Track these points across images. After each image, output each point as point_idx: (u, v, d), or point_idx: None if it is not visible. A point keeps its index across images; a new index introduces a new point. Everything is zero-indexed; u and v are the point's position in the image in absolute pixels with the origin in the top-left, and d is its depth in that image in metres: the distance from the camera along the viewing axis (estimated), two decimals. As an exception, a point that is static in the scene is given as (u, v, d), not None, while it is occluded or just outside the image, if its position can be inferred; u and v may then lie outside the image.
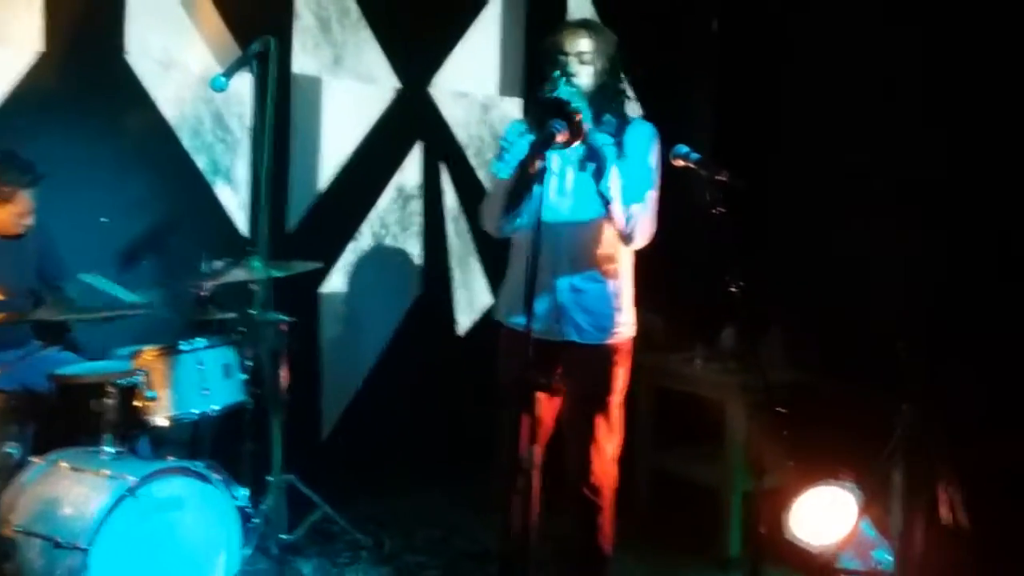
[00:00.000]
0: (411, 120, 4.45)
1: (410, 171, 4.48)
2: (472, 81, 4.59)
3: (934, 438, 2.91)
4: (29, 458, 2.96)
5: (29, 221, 3.30)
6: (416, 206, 4.51)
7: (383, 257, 4.45)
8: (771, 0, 4.73)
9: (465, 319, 4.71)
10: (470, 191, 4.59)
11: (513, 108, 4.70)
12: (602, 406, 2.87)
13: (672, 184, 2.89)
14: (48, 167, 3.47)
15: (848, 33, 4.32)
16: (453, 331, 4.67)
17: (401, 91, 4.39)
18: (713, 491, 3.85)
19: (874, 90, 4.20)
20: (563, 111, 2.41)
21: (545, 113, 2.41)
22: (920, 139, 3.91)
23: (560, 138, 2.39)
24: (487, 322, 4.73)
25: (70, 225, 3.54)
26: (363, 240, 4.39)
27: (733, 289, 2.53)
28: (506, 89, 4.69)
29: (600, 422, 2.86)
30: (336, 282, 4.32)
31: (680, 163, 2.64)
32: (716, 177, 2.54)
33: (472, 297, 4.72)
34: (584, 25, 2.78)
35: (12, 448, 2.86)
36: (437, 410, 4.40)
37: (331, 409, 4.34)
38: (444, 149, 4.56)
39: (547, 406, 2.88)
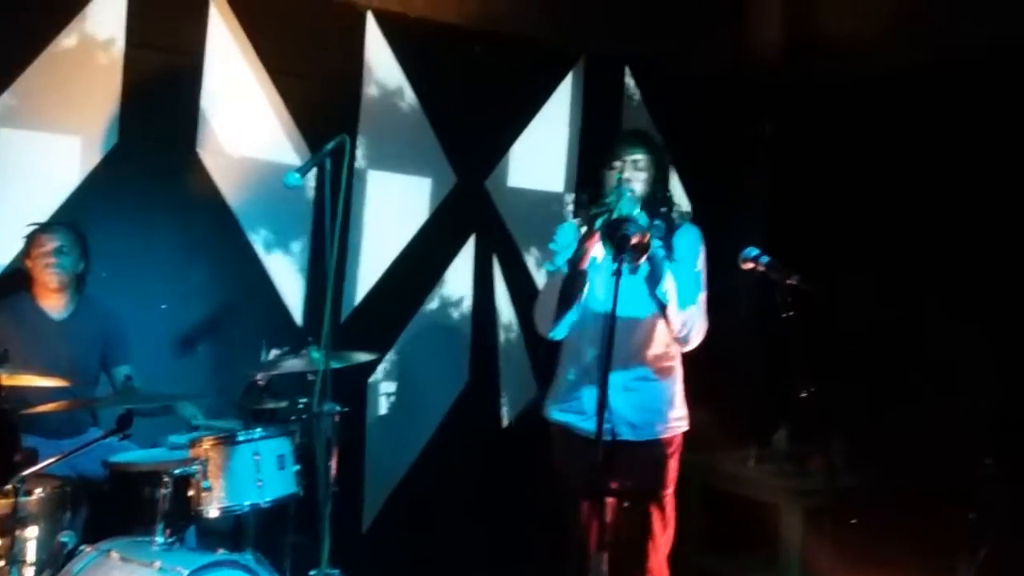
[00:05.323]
0: (466, 214, 4.51)
1: (463, 263, 4.52)
2: (526, 177, 4.66)
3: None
4: (81, 547, 2.90)
5: (52, 261, 3.32)
6: (467, 298, 4.54)
7: (432, 348, 4.45)
8: (822, 104, 4.81)
9: (511, 411, 4.68)
10: (521, 283, 4.62)
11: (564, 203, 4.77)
12: (656, 500, 2.88)
13: (727, 285, 2.91)
14: (115, 253, 3.54)
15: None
16: (499, 423, 4.63)
17: (457, 185, 4.47)
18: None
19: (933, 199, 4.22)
20: (639, 241, 2.46)
21: (618, 232, 2.45)
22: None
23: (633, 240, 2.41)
24: (532, 414, 4.70)
25: (132, 310, 3.60)
26: (412, 331, 4.40)
27: (803, 394, 2.50)
28: (559, 185, 4.76)
29: (655, 516, 2.88)
30: (385, 372, 4.33)
31: (749, 266, 2.64)
32: (787, 281, 2.53)
33: (519, 389, 4.69)
34: (639, 134, 2.93)
35: (66, 536, 2.82)
36: (479, 502, 4.34)
37: (373, 500, 4.28)
38: (497, 242, 4.61)
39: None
